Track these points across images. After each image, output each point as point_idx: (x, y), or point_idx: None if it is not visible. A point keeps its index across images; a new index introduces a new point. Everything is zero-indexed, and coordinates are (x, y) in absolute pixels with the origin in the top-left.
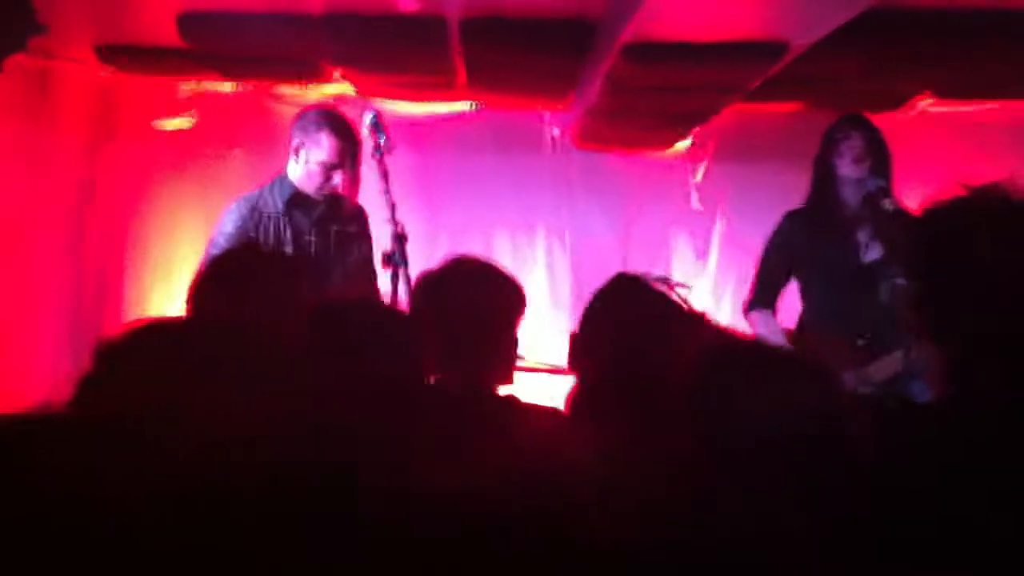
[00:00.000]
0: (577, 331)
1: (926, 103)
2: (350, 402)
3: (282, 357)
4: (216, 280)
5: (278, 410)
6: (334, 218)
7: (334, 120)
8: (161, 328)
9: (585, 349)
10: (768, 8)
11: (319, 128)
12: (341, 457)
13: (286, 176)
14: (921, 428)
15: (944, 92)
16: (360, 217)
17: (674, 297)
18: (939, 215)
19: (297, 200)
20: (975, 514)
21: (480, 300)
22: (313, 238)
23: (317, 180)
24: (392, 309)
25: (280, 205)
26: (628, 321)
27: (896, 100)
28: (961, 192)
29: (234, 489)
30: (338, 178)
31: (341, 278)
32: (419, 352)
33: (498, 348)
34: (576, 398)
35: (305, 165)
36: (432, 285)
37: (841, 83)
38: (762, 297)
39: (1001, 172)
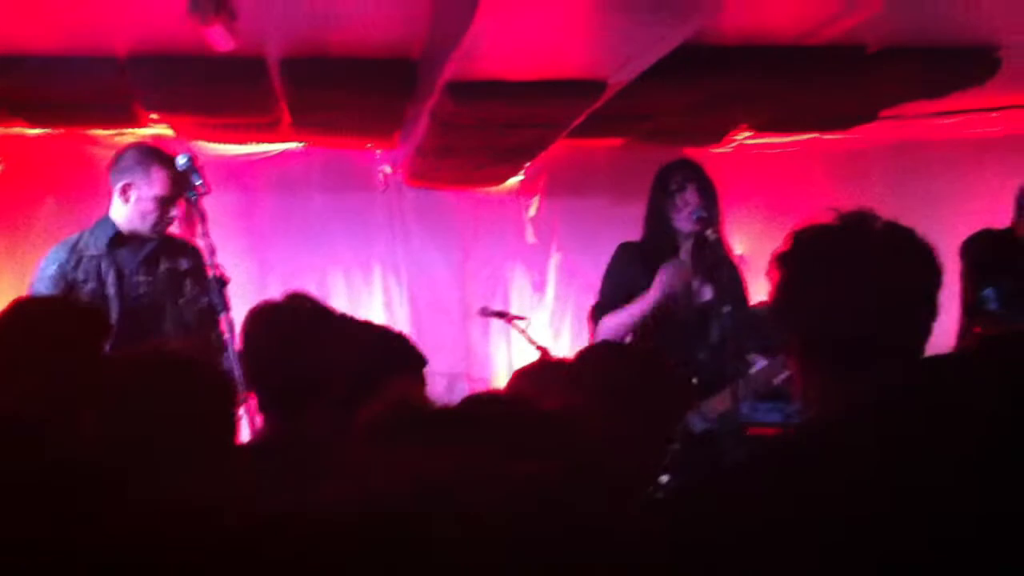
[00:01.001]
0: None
1: (744, 136)
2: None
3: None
4: None
5: None
6: (164, 256)
7: (160, 154)
8: None
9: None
10: (583, 48)
11: (148, 163)
12: None
13: (108, 218)
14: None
15: (761, 126)
16: (193, 253)
17: (310, 307)
18: (807, 241)
19: (121, 239)
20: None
21: (296, 340)
22: (141, 277)
23: (153, 216)
24: (190, 360)
25: (102, 245)
26: (283, 338)
27: (716, 134)
28: (828, 218)
29: None
30: (175, 212)
31: (174, 319)
32: (230, 401)
33: (328, 387)
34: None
35: (137, 204)
36: (249, 327)
37: (664, 119)
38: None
39: (819, 200)
